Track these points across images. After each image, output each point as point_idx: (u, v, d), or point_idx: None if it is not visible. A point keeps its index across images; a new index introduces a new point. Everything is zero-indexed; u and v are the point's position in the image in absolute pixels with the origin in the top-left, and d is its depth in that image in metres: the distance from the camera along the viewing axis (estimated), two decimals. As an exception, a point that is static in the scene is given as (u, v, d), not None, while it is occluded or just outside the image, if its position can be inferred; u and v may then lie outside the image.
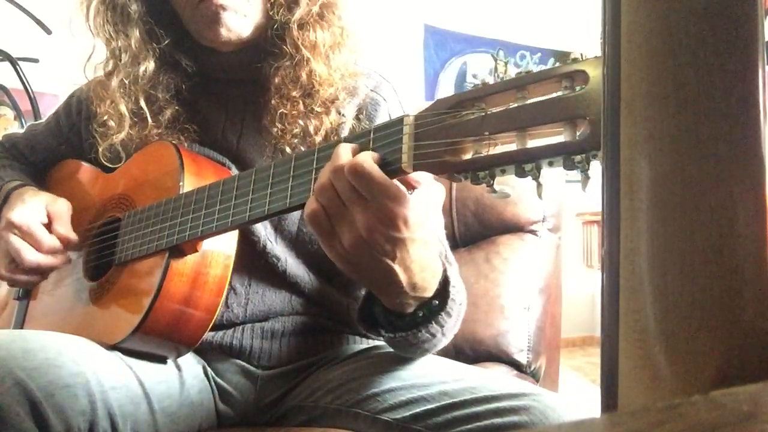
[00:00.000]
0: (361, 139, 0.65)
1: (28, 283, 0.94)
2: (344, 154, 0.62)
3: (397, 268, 0.64)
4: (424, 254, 0.66)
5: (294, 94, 0.86)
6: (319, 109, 0.87)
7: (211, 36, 0.87)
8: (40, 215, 0.90)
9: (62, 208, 0.93)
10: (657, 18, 0.29)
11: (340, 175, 0.61)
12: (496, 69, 4.35)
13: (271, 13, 0.88)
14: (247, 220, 0.74)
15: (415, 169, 0.61)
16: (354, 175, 0.60)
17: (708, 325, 0.28)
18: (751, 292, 0.28)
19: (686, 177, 0.29)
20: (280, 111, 0.86)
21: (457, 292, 0.75)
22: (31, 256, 0.88)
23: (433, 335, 0.74)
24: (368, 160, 0.60)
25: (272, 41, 0.88)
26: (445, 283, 0.73)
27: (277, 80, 0.87)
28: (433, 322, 0.73)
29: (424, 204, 0.63)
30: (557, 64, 0.54)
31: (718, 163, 0.28)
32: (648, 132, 0.29)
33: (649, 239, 0.29)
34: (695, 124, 0.29)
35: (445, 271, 0.73)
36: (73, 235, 0.91)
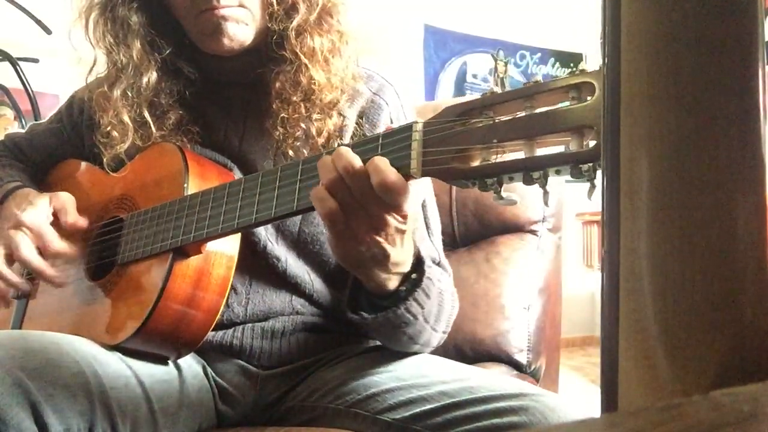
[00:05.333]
0: (369, 145, 0.65)
1: (19, 285, 0.93)
2: (350, 153, 0.64)
3: (392, 252, 0.69)
4: (410, 240, 0.73)
5: (295, 98, 0.86)
6: (319, 114, 0.87)
7: (213, 46, 0.87)
8: (48, 214, 0.91)
9: (65, 199, 0.93)
10: (657, 18, 0.29)
11: (353, 174, 0.63)
12: (496, 69, 4.35)
13: (270, 24, 0.87)
14: (254, 222, 0.74)
15: (424, 174, 0.62)
16: (374, 176, 0.62)
17: (708, 325, 0.28)
18: (751, 292, 0.28)
19: (686, 177, 0.29)
20: (282, 115, 0.86)
21: (435, 276, 0.79)
22: (37, 261, 0.88)
23: (414, 317, 0.76)
24: (386, 164, 0.62)
25: (272, 47, 0.88)
26: (419, 258, 0.76)
27: (277, 85, 0.87)
28: (411, 299, 0.74)
29: (416, 196, 0.66)
30: (564, 74, 0.56)
31: (718, 163, 0.28)
32: (648, 132, 0.29)
33: (649, 239, 0.29)
34: (695, 124, 0.29)
35: (418, 249, 0.76)
36: (81, 221, 0.92)
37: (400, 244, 0.69)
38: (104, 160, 0.92)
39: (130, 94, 0.90)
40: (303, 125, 0.87)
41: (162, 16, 0.91)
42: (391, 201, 0.63)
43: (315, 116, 0.87)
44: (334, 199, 0.64)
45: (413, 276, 0.75)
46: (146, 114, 0.89)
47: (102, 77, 0.94)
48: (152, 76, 0.90)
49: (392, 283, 0.74)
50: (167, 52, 0.91)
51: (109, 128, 0.91)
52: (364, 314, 0.77)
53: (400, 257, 0.71)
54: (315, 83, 0.86)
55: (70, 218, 0.91)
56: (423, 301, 0.76)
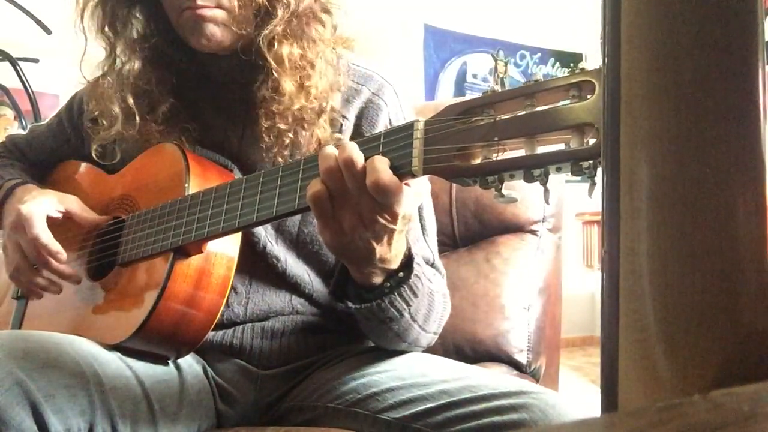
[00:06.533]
0: (371, 144, 0.66)
1: (38, 285, 0.92)
2: (356, 149, 0.64)
3: (378, 249, 0.69)
4: (403, 240, 0.73)
5: (276, 108, 0.85)
6: (301, 126, 0.86)
7: (193, 43, 0.87)
8: (48, 209, 0.91)
9: (76, 199, 0.95)
10: (657, 18, 0.29)
11: (352, 169, 0.63)
12: (496, 69, 4.35)
13: (248, 30, 0.86)
14: (255, 221, 0.74)
15: (425, 172, 0.62)
16: (370, 175, 0.62)
17: (708, 325, 0.28)
18: (751, 292, 0.28)
19: (686, 177, 0.29)
20: (268, 124, 0.86)
21: (425, 276, 0.79)
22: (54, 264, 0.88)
23: (400, 313, 0.76)
24: (384, 164, 0.63)
25: (257, 54, 0.87)
26: (409, 257, 0.76)
27: (260, 94, 0.86)
28: (397, 294, 0.74)
29: (413, 198, 0.66)
30: (565, 73, 0.56)
31: (718, 163, 0.28)
32: (648, 132, 0.29)
33: (649, 239, 0.29)
34: (695, 124, 0.29)
35: (409, 248, 0.76)
36: (93, 216, 0.95)
37: (387, 242, 0.69)
38: (93, 147, 0.94)
39: (118, 80, 0.91)
40: (291, 135, 0.86)
41: (159, 12, 0.92)
42: (382, 200, 0.63)
43: (298, 128, 0.86)
44: (325, 185, 0.65)
45: (400, 274, 0.75)
46: (131, 101, 0.90)
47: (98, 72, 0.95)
48: (138, 63, 0.92)
49: (377, 278, 0.74)
50: (154, 40, 0.92)
51: (96, 114, 0.92)
52: (349, 303, 0.77)
53: (387, 254, 0.71)
54: (286, 93, 0.84)
55: (87, 214, 0.94)
56: (409, 298, 0.76)
